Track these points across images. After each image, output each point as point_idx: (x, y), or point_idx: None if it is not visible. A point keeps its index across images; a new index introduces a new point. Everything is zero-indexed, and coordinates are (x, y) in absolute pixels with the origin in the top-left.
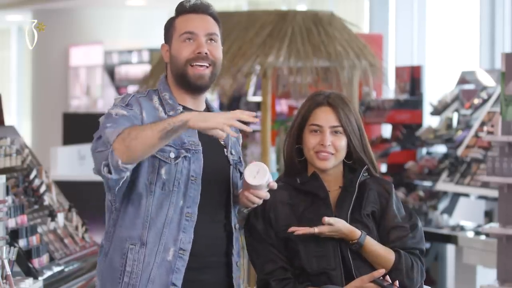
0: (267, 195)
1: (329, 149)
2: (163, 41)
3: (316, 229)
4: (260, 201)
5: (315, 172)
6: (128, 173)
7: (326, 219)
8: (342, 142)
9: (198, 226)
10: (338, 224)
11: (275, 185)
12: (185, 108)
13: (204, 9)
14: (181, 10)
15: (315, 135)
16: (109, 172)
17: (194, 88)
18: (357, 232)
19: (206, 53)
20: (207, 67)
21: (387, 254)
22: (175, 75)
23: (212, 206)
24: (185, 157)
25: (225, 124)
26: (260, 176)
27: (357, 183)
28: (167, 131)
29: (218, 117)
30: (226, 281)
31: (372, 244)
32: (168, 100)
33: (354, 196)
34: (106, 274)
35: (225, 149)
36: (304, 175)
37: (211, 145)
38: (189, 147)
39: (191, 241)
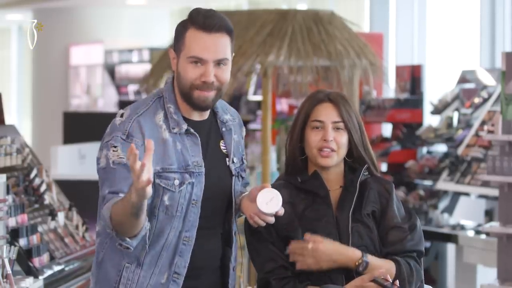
0: (272, 221)
1: (331, 144)
2: (170, 42)
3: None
4: (264, 224)
5: (316, 171)
6: (147, 230)
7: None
8: (344, 138)
9: (196, 242)
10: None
11: (282, 213)
12: (190, 122)
13: (218, 28)
14: (195, 22)
15: (317, 132)
16: (128, 247)
17: (198, 109)
18: (356, 251)
19: (212, 82)
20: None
21: (389, 267)
22: (180, 90)
23: (212, 222)
24: (189, 182)
25: (141, 176)
26: (273, 204)
27: (358, 183)
28: (136, 211)
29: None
30: (220, 284)
31: (375, 259)
32: (173, 114)
33: (355, 196)
34: (101, 284)
35: (227, 159)
36: (304, 174)
37: (213, 160)
38: (193, 169)
39: (187, 265)
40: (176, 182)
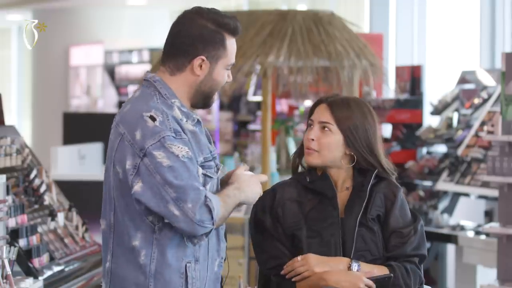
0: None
1: (311, 143)
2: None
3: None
4: None
5: (325, 171)
6: None
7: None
8: (329, 139)
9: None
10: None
11: None
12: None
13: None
14: (228, 29)
15: (308, 131)
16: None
17: (204, 107)
18: (345, 258)
19: None
20: None
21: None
22: (199, 92)
23: None
24: (219, 168)
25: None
26: None
27: (368, 188)
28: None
29: (257, 194)
30: (219, 273)
31: (366, 264)
32: (181, 108)
33: (364, 202)
34: None
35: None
36: (313, 174)
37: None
38: (214, 155)
39: (226, 248)
40: (215, 168)
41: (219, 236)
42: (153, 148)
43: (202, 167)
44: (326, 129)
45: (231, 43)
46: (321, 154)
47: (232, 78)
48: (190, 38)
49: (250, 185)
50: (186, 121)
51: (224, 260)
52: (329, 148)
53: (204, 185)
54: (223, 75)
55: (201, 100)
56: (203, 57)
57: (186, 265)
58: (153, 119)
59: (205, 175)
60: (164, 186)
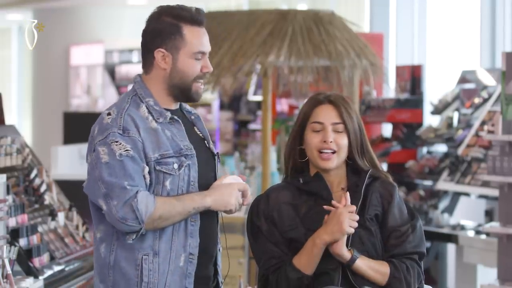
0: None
1: (332, 146)
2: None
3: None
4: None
5: (318, 172)
6: None
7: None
8: (344, 140)
9: (200, 226)
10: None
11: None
12: (169, 111)
13: (204, 20)
14: (185, 18)
15: (317, 134)
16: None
17: (189, 101)
18: (347, 256)
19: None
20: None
21: (381, 269)
22: (172, 85)
23: None
24: (186, 165)
25: (238, 204)
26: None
27: (363, 188)
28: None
29: (232, 199)
30: (214, 269)
31: (361, 266)
32: (154, 106)
33: (359, 202)
34: (120, 286)
35: (205, 141)
36: (307, 175)
37: (196, 143)
38: (186, 152)
39: (198, 245)
40: (175, 165)
41: (187, 232)
42: (99, 144)
43: (158, 163)
44: (339, 130)
45: (191, 32)
46: (339, 156)
47: (211, 68)
48: (149, 34)
49: (223, 191)
50: (156, 119)
51: (198, 257)
52: (345, 147)
53: (163, 182)
54: (191, 65)
55: (179, 94)
56: (162, 50)
57: (142, 257)
58: (108, 116)
59: (161, 171)
60: (98, 181)
